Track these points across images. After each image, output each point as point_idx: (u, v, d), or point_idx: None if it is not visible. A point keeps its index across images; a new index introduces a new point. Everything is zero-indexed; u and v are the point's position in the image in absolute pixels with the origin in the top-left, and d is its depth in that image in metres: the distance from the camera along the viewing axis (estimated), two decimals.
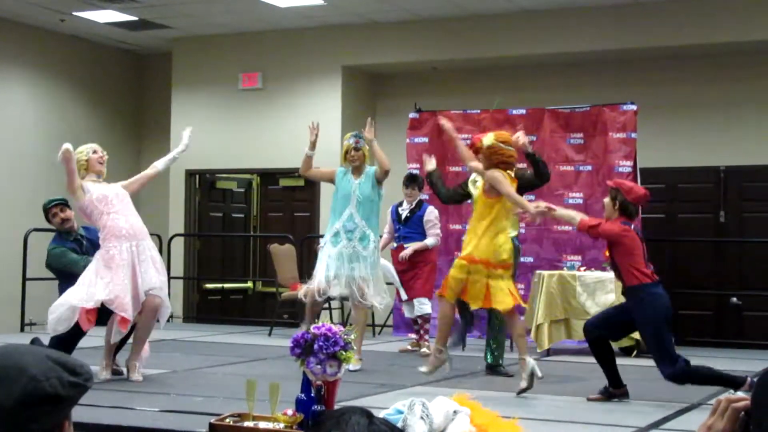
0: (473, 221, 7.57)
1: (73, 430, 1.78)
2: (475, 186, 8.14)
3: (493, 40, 12.80)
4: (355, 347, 5.41)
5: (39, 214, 13.39)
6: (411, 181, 10.24)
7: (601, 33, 12.29)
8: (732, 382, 7.00)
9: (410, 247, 10.02)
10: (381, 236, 9.44)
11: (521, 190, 8.01)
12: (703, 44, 11.98)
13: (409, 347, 10.18)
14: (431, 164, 8.42)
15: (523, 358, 7.18)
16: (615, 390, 7.21)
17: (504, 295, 7.27)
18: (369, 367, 8.44)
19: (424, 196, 10.55)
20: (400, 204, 10.32)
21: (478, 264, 7.27)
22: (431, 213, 10.26)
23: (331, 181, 8.68)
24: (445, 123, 8.24)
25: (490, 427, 4.80)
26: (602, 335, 7.26)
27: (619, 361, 9.82)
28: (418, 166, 11.63)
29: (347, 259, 8.29)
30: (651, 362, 9.25)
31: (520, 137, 7.86)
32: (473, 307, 7.54)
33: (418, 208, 10.23)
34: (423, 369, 7.45)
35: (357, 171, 8.51)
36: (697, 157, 12.14)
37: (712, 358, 9.57)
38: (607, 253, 7.45)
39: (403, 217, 10.20)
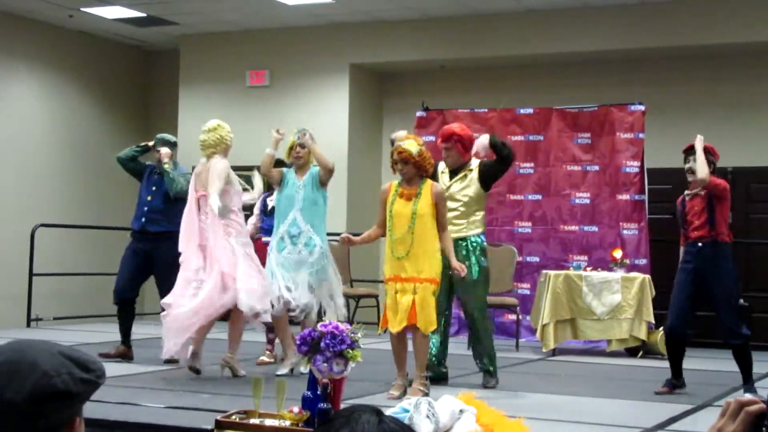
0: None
1: (84, 427, 1.78)
2: (442, 178, 7.68)
3: (500, 40, 12.79)
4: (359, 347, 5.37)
5: (46, 209, 13.52)
6: (277, 167, 8.88)
7: (609, 33, 12.27)
8: (748, 381, 7.40)
9: None
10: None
11: (488, 181, 7.68)
12: (712, 45, 11.96)
13: (266, 359, 8.95)
14: (400, 134, 7.65)
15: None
16: (677, 381, 7.58)
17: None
18: (375, 365, 8.43)
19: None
20: (270, 195, 9.06)
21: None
22: None
23: (279, 182, 8.14)
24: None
25: (495, 427, 4.80)
26: (686, 334, 7.60)
27: (626, 361, 9.87)
28: None
29: (293, 266, 7.88)
30: (657, 362, 9.27)
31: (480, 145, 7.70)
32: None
33: None
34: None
35: (301, 170, 8.03)
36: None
37: (720, 359, 9.55)
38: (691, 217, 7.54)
39: (270, 208, 8.91)
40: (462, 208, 7.58)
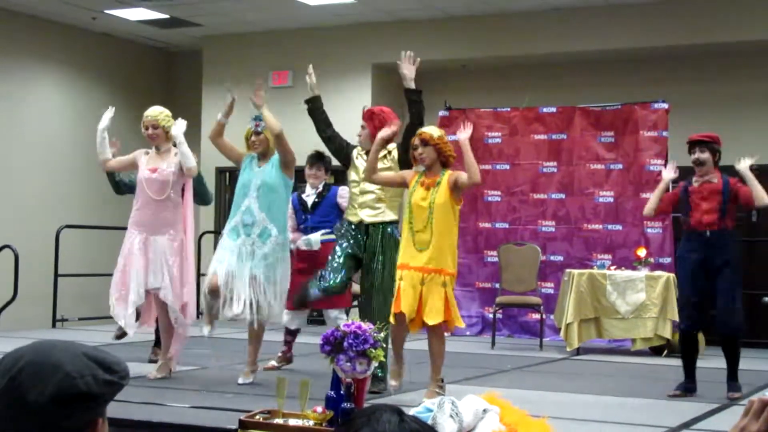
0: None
1: (107, 427, 1.79)
2: (361, 161, 7.14)
3: (523, 38, 12.77)
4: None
5: (71, 210, 13.59)
6: (317, 159, 8.64)
7: (633, 31, 12.22)
8: (732, 377, 7.30)
9: (318, 233, 8.33)
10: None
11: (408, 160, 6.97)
12: (736, 42, 11.89)
13: (276, 363, 8.46)
14: (313, 78, 7.35)
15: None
16: (690, 384, 7.39)
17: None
18: None
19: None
20: (302, 191, 8.65)
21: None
22: (345, 191, 8.25)
23: (237, 163, 7.62)
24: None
25: (519, 426, 4.79)
26: (699, 331, 7.55)
27: (650, 360, 9.83)
28: None
29: (244, 257, 7.14)
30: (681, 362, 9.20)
31: (404, 68, 7.40)
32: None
33: (327, 191, 8.59)
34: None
35: (263, 158, 7.42)
36: (728, 155, 11.99)
37: (744, 358, 9.48)
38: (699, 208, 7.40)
39: (310, 203, 8.52)
40: (379, 191, 7.07)
